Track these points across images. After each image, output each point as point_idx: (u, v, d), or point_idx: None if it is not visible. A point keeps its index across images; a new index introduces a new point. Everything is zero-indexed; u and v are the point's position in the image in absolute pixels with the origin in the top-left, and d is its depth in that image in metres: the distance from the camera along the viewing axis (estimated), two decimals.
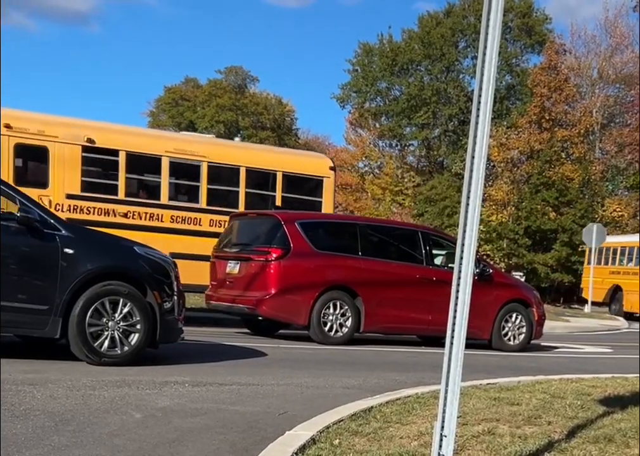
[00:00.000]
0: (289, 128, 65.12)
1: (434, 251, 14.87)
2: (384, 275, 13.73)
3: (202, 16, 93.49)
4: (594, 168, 43.69)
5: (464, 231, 4.29)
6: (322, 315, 13.03)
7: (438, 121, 52.08)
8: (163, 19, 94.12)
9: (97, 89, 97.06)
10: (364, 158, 58.28)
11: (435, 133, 53.32)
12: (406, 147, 56.57)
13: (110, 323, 8.34)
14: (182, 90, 62.26)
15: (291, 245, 13.16)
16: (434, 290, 13.52)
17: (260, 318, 13.88)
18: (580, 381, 9.19)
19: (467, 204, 4.27)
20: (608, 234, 32.17)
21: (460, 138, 49.64)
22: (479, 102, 4.23)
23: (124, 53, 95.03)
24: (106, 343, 8.34)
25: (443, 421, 4.33)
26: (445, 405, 4.33)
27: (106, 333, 8.33)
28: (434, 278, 13.84)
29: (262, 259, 13.22)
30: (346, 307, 13.23)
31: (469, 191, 4.27)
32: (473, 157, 4.25)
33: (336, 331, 13.19)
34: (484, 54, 4.21)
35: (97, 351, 8.29)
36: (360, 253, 13.77)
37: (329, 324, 13.11)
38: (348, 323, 13.26)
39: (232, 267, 13.70)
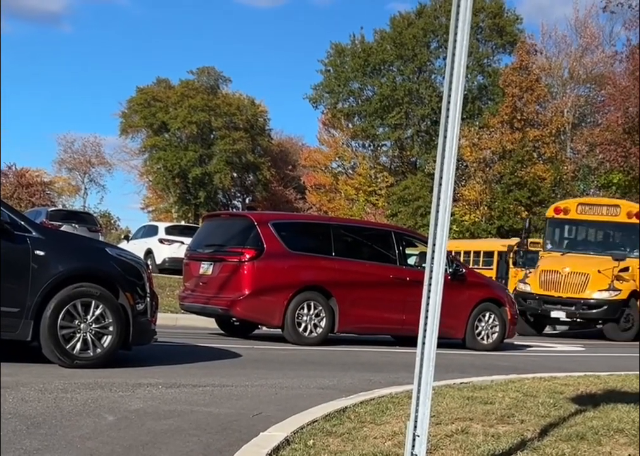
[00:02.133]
0: (262, 128, 65.02)
1: (407, 251, 14.93)
2: (358, 275, 13.74)
3: (173, 16, 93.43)
4: (565, 167, 44.02)
5: (435, 231, 4.30)
6: (296, 315, 13.02)
7: (410, 121, 52.25)
8: (134, 20, 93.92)
9: (69, 89, 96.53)
10: (337, 159, 58.38)
11: (407, 134, 53.49)
12: (379, 148, 56.73)
13: (82, 326, 8.27)
14: (154, 90, 61.97)
15: (265, 246, 13.14)
16: (407, 290, 13.54)
17: (234, 319, 13.86)
18: (553, 380, 9.24)
19: (438, 205, 4.28)
20: None
21: (433, 138, 49.82)
22: (449, 103, 4.25)
23: (96, 53, 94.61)
24: (78, 345, 8.27)
25: (416, 421, 4.34)
26: (417, 404, 4.33)
27: (78, 335, 8.26)
28: (407, 279, 13.87)
29: (235, 260, 13.20)
30: (320, 307, 13.23)
31: (439, 191, 4.28)
32: (443, 157, 4.26)
33: (311, 332, 13.18)
34: (453, 54, 4.22)
35: (69, 354, 8.22)
36: (333, 254, 13.78)
37: (303, 325, 13.10)
38: (323, 323, 13.26)
39: (206, 268, 13.66)
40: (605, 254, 21.00)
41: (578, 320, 21.13)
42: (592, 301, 20.34)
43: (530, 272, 21.91)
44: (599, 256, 21.17)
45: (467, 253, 31.36)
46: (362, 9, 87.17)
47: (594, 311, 20.42)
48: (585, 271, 20.47)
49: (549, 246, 22.68)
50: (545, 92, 44.54)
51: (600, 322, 21.08)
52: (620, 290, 20.31)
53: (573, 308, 20.41)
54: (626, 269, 20.67)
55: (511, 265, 29.03)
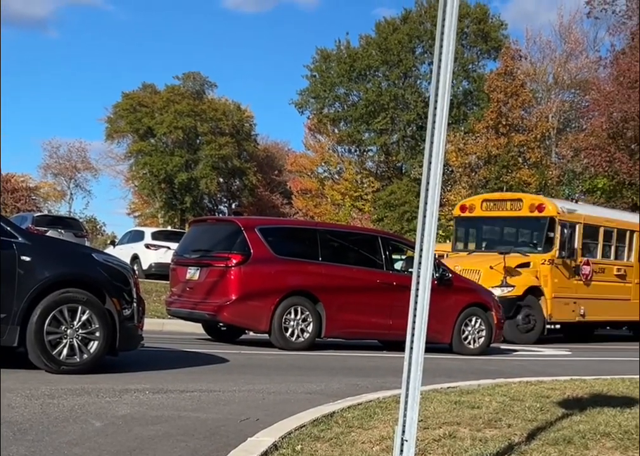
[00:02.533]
0: (248, 133, 64.99)
1: (394, 256, 14.95)
2: (345, 280, 13.75)
3: (159, 21, 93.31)
4: (550, 172, 44.14)
5: (422, 236, 4.31)
6: (283, 320, 13.01)
7: (396, 126, 52.35)
8: (120, 25, 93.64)
9: (55, 95, 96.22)
10: (323, 164, 58.41)
11: (393, 139, 53.58)
12: (365, 153, 56.79)
13: (69, 331, 8.25)
14: (140, 96, 61.87)
15: (251, 251, 13.14)
16: (394, 295, 13.56)
17: (221, 324, 13.85)
18: (539, 384, 9.27)
19: (425, 210, 4.30)
20: None
21: (419, 143, 49.93)
22: (435, 108, 4.27)
23: (81, 58, 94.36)
24: (65, 351, 8.25)
25: (404, 425, 4.35)
26: (405, 409, 4.34)
27: (64, 341, 8.24)
28: (394, 283, 13.89)
29: (222, 265, 13.19)
30: (308, 312, 13.24)
31: (426, 196, 4.29)
32: (430, 163, 4.28)
33: (298, 336, 13.18)
34: (439, 59, 4.24)
35: (55, 359, 8.20)
36: (320, 259, 13.78)
37: (290, 330, 13.10)
38: (310, 328, 13.26)
39: (192, 273, 13.64)
40: (511, 251, 20.03)
41: None
42: None
43: None
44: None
45: None
46: (348, 15, 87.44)
47: None
48: (476, 268, 19.39)
49: (457, 246, 22.14)
50: (530, 97, 44.66)
51: None
52: (514, 286, 19.27)
53: None
54: (526, 264, 19.85)
55: None
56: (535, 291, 19.81)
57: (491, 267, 19.31)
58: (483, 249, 21.66)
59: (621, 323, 23.43)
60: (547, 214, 20.08)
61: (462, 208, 21.90)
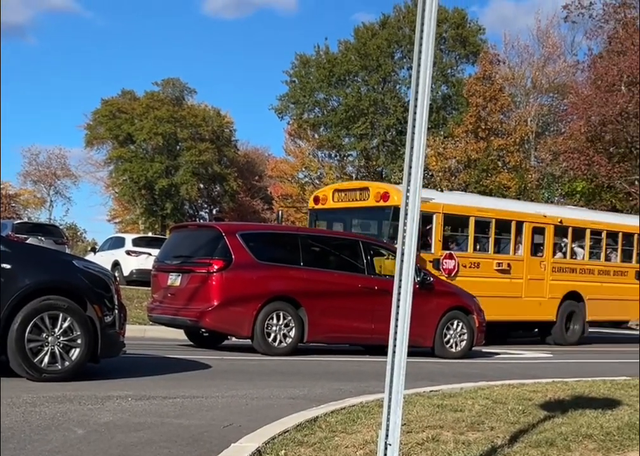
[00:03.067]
0: (228, 139, 64.97)
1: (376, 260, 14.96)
2: (327, 285, 13.77)
3: (138, 27, 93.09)
4: (530, 176, 44.33)
5: (404, 240, 4.32)
6: (265, 325, 13.01)
7: (376, 131, 52.40)
8: (99, 32, 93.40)
9: (34, 102, 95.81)
10: (303, 169, 58.40)
11: (373, 144, 53.64)
12: (345, 158, 56.82)
13: (50, 339, 8.22)
14: (119, 102, 61.72)
15: (233, 256, 13.13)
16: (376, 299, 13.58)
17: (203, 330, 13.82)
18: (521, 386, 9.31)
19: (406, 214, 4.31)
20: None
21: (399, 148, 50.00)
22: (415, 113, 4.28)
23: (60, 65, 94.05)
24: (46, 359, 8.21)
25: (387, 429, 4.36)
26: (388, 413, 4.35)
27: (46, 348, 8.20)
28: (376, 288, 13.91)
29: (203, 271, 13.17)
30: (290, 317, 13.24)
31: (407, 201, 4.31)
32: (410, 167, 4.29)
33: (280, 342, 13.18)
34: (419, 64, 4.26)
35: (37, 367, 8.16)
36: (302, 264, 13.79)
37: (272, 335, 13.10)
38: (292, 333, 13.26)
39: (174, 279, 13.62)
40: None
41: None
42: None
43: None
44: None
45: None
46: (327, 20, 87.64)
47: None
48: None
49: None
50: (509, 101, 44.87)
51: None
52: None
53: None
54: None
55: None
56: None
57: None
58: None
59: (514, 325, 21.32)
60: (391, 203, 18.17)
61: (316, 200, 20.32)
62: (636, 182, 39.12)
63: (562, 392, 8.89)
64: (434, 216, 18.61)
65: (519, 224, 20.38)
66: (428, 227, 18.53)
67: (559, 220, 21.35)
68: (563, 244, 21.85)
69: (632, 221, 23.65)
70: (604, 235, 22.45)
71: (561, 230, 21.55)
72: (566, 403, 7.91)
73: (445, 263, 18.64)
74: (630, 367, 14.83)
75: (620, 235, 22.83)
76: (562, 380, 10.19)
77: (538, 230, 20.87)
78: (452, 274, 18.65)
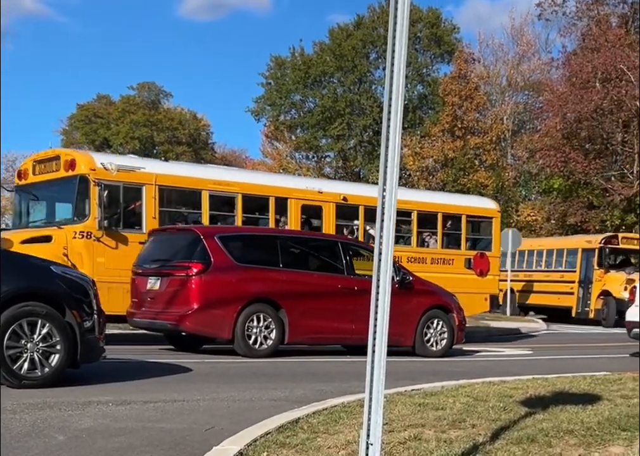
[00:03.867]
0: (205, 142, 64.91)
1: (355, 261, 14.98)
2: (307, 286, 13.77)
3: (113, 32, 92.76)
4: (506, 174, 44.56)
5: (381, 240, 4.33)
6: (246, 328, 13.00)
7: (353, 132, 52.47)
8: (74, 37, 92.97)
9: (9, 107, 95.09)
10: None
11: (350, 144, 53.71)
12: (323, 159, 56.87)
13: (29, 345, 8.16)
14: (95, 107, 61.52)
15: (212, 259, 13.11)
16: (356, 299, 13.59)
17: (184, 333, 13.78)
18: (502, 384, 9.34)
19: (383, 214, 4.32)
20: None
21: (376, 148, 50.04)
22: (389, 113, 4.29)
23: (36, 70, 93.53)
24: (26, 365, 8.16)
25: (368, 429, 4.36)
26: (369, 413, 4.36)
27: (25, 355, 8.15)
28: (355, 288, 13.92)
29: (182, 274, 13.14)
30: (270, 319, 13.23)
31: (383, 201, 4.32)
32: (386, 167, 4.30)
33: (261, 344, 13.17)
34: (392, 64, 4.27)
35: (16, 374, 8.10)
36: (281, 265, 13.78)
37: (253, 337, 13.09)
38: (273, 335, 13.25)
39: (153, 283, 13.57)
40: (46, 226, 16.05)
41: None
42: None
43: None
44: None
45: None
46: (302, 22, 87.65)
47: None
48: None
49: (17, 222, 17.44)
50: (485, 100, 45.08)
51: None
52: None
53: None
54: (47, 239, 15.34)
55: None
56: None
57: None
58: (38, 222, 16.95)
59: None
60: (78, 172, 15.54)
61: (19, 175, 17.33)
62: (612, 178, 39.40)
63: (542, 389, 8.93)
64: (143, 188, 15.95)
65: (282, 201, 17.66)
66: (137, 203, 16.15)
67: (341, 197, 18.61)
68: (355, 228, 19.14)
69: (465, 201, 21.95)
70: (414, 216, 19.61)
71: (349, 210, 18.77)
72: (546, 399, 7.94)
73: None
74: (608, 362, 14.93)
75: (440, 216, 20.12)
76: (542, 376, 10.23)
77: (311, 210, 18.23)
78: None
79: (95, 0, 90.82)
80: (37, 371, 8.23)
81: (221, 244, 13.35)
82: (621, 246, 30.11)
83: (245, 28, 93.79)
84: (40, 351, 8.23)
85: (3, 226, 36.81)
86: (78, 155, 16.33)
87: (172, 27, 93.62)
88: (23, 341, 8.15)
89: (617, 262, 31.16)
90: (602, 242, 29.93)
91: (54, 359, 8.32)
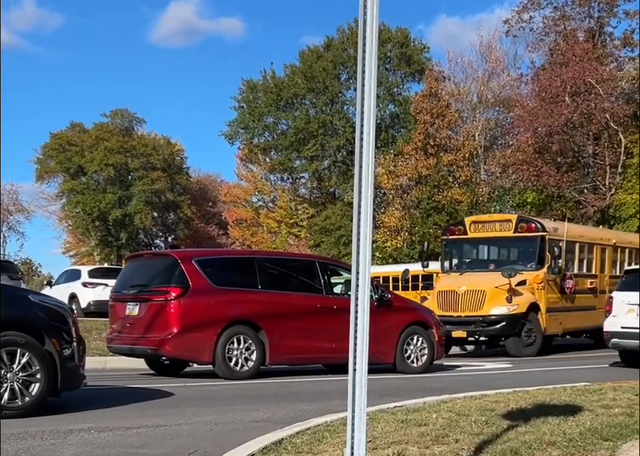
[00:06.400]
0: (180, 167, 64.77)
1: (333, 280, 15.03)
2: (286, 306, 13.77)
3: (85, 60, 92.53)
4: (480, 189, 44.80)
5: (358, 259, 4.37)
6: (226, 350, 12.97)
7: (326, 152, 52.61)
8: (46, 66, 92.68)
9: None
10: (256, 193, 58.50)
11: (324, 165, 53.86)
12: (297, 180, 57.04)
13: (9, 375, 8.12)
14: (69, 135, 61.27)
15: (190, 283, 13.10)
16: (336, 318, 13.59)
17: (164, 358, 13.74)
18: (484, 398, 9.38)
19: (359, 233, 4.36)
20: None
21: (350, 168, 50.19)
22: (362, 132, 4.34)
23: (8, 101, 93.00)
24: (6, 395, 8.10)
25: (352, 447, 4.38)
26: (352, 431, 4.38)
27: (5, 385, 8.10)
28: (335, 307, 13.93)
29: (161, 299, 13.11)
30: (250, 341, 13.21)
31: (359, 220, 4.36)
32: (360, 186, 4.34)
33: (242, 365, 13.14)
34: (363, 85, 4.32)
35: None
36: (259, 287, 13.79)
37: (234, 359, 13.06)
38: (253, 356, 13.23)
39: (132, 309, 13.53)
40: None
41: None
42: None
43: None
44: None
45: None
46: (275, 45, 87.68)
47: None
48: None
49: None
50: (456, 117, 45.37)
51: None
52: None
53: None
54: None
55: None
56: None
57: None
58: None
59: None
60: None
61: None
62: (585, 190, 39.71)
63: (524, 401, 8.97)
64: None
65: None
66: None
67: None
68: None
69: None
70: None
71: None
72: (528, 412, 7.99)
73: None
74: (588, 372, 15.02)
75: None
76: (523, 389, 10.29)
77: None
78: None
79: (67, 29, 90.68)
80: (17, 401, 8.18)
81: (199, 267, 13.34)
82: (471, 234, 22.55)
83: (218, 54, 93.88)
84: (20, 381, 8.19)
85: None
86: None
87: (144, 54, 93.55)
88: (2, 371, 8.10)
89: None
90: (447, 233, 23.53)
91: (35, 388, 8.27)
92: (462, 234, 22.14)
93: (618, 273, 23.40)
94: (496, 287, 19.99)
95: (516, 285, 20.24)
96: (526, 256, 21.78)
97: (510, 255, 22.87)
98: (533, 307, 20.56)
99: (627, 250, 24.89)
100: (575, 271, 22.48)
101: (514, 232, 21.41)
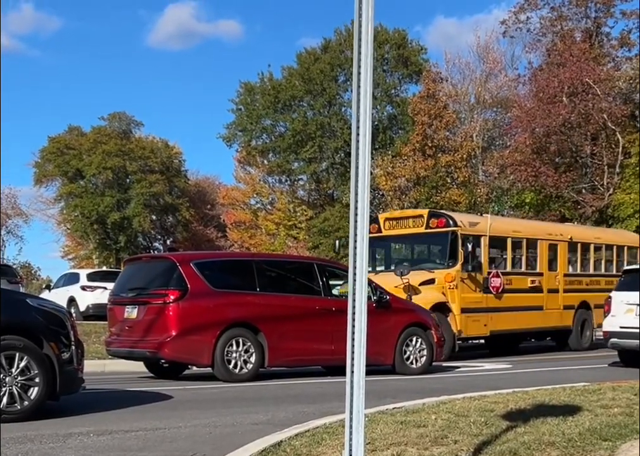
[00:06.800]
0: (178, 170, 64.73)
1: (332, 282, 15.02)
2: (284, 308, 13.77)
3: (83, 63, 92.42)
4: (479, 190, 44.76)
5: (355, 260, 4.37)
6: (225, 353, 12.97)
7: (324, 154, 52.59)
8: (45, 70, 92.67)
9: None
10: (255, 195, 58.46)
11: (322, 167, 53.81)
12: (296, 182, 56.97)
13: (7, 379, 8.12)
14: (67, 139, 61.22)
15: (188, 286, 13.10)
16: (334, 320, 13.60)
17: (163, 361, 13.74)
18: (483, 398, 9.38)
19: (356, 235, 4.36)
20: None
21: (348, 170, 50.00)
22: (358, 134, 4.34)
23: (6, 104, 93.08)
24: (5, 399, 8.11)
25: (350, 449, 4.39)
26: (351, 432, 4.38)
27: (4, 389, 8.10)
28: (333, 309, 13.95)
29: (159, 302, 13.11)
30: (249, 343, 13.21)
31: (356, 222, 4.36)
32: (357, 188, 4.35)
33: (241, 368, 13.15)
34: (359, 86, 4.33)
35: None
36: (258, 289, 13.79)
37: (233, 361, 13.06)
38: (252, 359, 13.23)
39: (130, 312, 13.54)
40: None
41: None
42: None
43: None
44: None
45: None
46: (273, 47, 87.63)
47: None
48: None
49: None
50: (454, 118, 45.33)
51: None
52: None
53: None
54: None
55: None
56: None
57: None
58: None
59: None
60: None
61: None
62: (583, 190, 39.74)
63: (523, 402, 8.98)
64: None
65: None
66: None
67: None
68: None
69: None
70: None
71: None
72: (527, 412, 7.99)
73: None
74: (587, 372, 15.02)
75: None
76: (522, 389, 10.29)
77: None
78: None
79: (65, 32, 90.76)
80: (16, 405, 8.18)
81: (197, 270, 13.35)
82: (385, 232, 21.06)
83: (216, 56, 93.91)
84: (19, 385, 8.19)
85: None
86: None
87: (141, 57, 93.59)
88: (1, 375, 8.10)
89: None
90: None
91: (33, 392, 8.28)
92: (377, 232, 20.46)
93: (582, 272, 23.12)
94: (395, 286, 18.13)
95: (421, 284, 18.83)
96: (438, 253, 20.62)
97: (423, 253, 21.86)
98: (440, 307, 18.78)
99: (591, 246, 23.73)
100: (508, 269, 20.82)
101: (425, 228, 19.98)
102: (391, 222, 20.91)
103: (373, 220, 21.01)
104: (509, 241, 20.98)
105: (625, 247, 24.75)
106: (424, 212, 20.91)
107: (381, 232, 20.69)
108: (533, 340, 24.39)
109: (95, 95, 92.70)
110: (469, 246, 19.21)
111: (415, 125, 44.47)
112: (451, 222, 19.56)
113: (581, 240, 23.41)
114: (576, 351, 22.12)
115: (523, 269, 21.45)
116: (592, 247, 23.73)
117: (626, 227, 35.87)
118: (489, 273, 20.12)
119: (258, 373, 13.35)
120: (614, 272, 23.45)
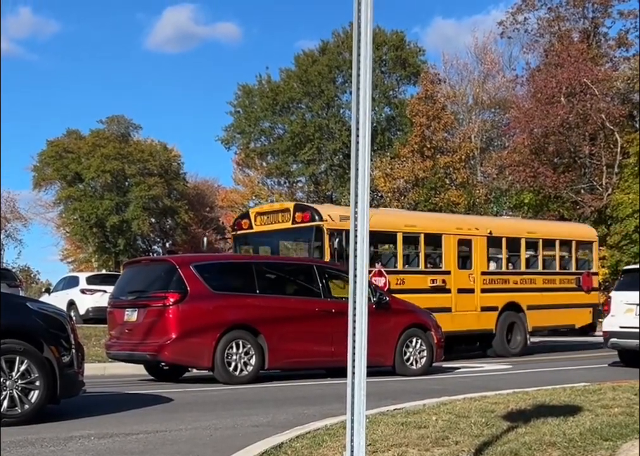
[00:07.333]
0: (177, 172, 64.69)
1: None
2: (284, 310, 13.77)
3: (81, 67, 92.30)
4: (477, 191, 44.80)
5: (355, 262, 4.37)
6: (225, 355, 12.97)
7: (323, 156, 52.63)
8: (42, 73, 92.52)
9: None
10: (253, 197, 58.44)
11: (321, 169, 53.85)
12: (294, 184, 56.98)
13: (8, 383, 8.12)
14: (65, 142, 61.21)
15: (188, 288, 13.10)
16: (334, 321, 13.60)
17: (163, 363, 13.74)
18: (483, 399, 9.38)
19: (356, 236, 4.36)
20: None
21: (347, 171, 50.18)
22: (357, 136, 4.35)
23: (4, 108, 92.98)
24: (5, 403, 8.10)
25: (352, 451, 4.38)
26: (352, 434, 4.38)
27: (4, 393, 8.10)
28: (333, 310, 13.94)
29: (159, 304, 13.11)
30: (249, 345, 13.21)
31: (356, 222, 4.36)
32: (357, 189, 4.35)
33: (241, 370, 13.14)
34: (358, 88, 4.33)
35: None
36: (258, 291, 13.79)
37: (233, 364, 13.06)
38: (252, 361, 13.23)
39: (130, 315, 13.53)
40: None
41: None
42: None
43: None
44: None
45: None
46: (272, 50, 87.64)
47: None
48: None
49: None
50: (452, 119, 45.38)
51: None
52: None
53: None
54: None
55: None
56: None
57: None
58: None
59: None
60: None
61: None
62: (582, 191, 39.76)
63: (523, 402, 8.98)
64: None
65: None
66: None
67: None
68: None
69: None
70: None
71: None
72: (528, 413, 7.99)
73: None
74: (587, 372, 15.03)
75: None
76: (523, 390, 10.29)
77: None
78: None
79: (63, 36, 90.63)
80: (17, 408, 8.18)
81: (197, 272, 13.35)
82: (256, 228, 19.58)
83: (214, 59, 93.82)
84: (20, 388, 8.19)
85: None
86: None
87: (140, 60, 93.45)
88: (1, 379, 8.10)
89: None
90: (235, 227, 20.23)
91: (34, 395, 8.28)
92: (249, 227, 19.33)
93: (508, 270, 21.04)
94: None
95: None
96: (303, 249, 19.51)
97: (292, 249, 20.67)
98: None
99: (522, 241, 21.31)
100: (399, 267, 18.96)
101: (292, 223, 18.38)
102: (262, 217, 19.40)
103: (244, 214, 20.38)
104: (399, 236, 19.01)
105: (574, 242, 22.69)
106: (291, 205, 19.19)
107: (252, 228, 19.41)
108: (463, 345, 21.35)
109: (93, 99, 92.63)
110: (336, 242, 17.42)
111: (413, 127, 44.49)
112: (316, 216, 17.95)
113: (506, 235, 21.05)
114: (502, 356, 20.18)
115: (421, 267, 19.52)
116: (522, 242, 21.33)
117: (625, 227, 35.91)
118: (370, 272, 18.05)
119: (258, 376, 13.35)
120: (556, 270, 22.03)
